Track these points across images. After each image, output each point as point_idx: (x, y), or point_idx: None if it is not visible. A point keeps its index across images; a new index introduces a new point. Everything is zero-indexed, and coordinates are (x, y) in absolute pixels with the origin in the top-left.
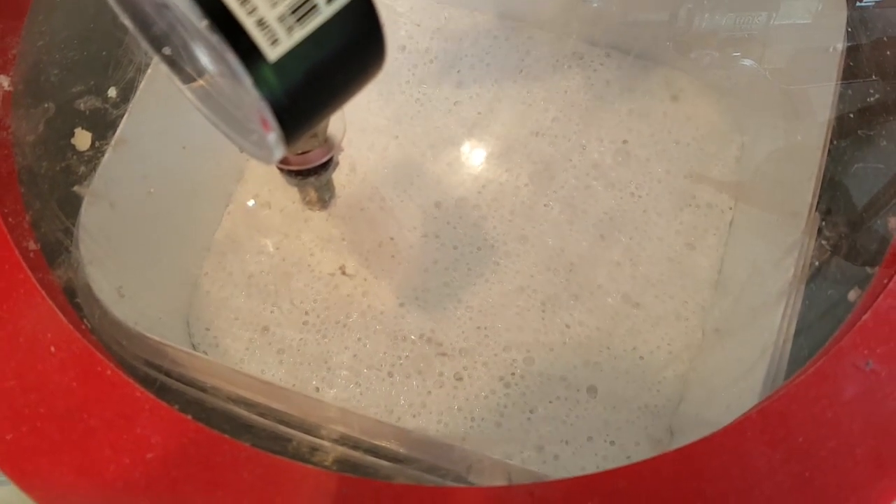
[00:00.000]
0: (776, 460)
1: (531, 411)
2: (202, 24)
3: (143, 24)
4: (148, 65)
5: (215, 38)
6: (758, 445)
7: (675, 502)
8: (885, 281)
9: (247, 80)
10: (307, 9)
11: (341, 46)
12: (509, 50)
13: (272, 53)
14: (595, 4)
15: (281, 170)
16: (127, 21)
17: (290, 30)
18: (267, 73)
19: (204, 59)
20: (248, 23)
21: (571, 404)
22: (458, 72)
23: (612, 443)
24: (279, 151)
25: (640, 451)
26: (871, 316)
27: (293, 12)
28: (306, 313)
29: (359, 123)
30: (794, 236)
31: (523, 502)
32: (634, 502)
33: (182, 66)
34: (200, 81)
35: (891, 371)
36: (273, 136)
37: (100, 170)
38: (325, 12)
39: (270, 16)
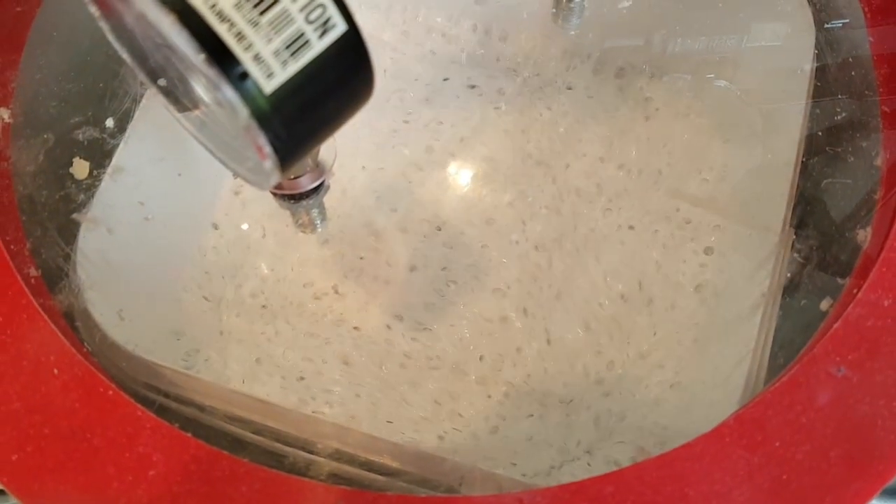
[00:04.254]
0: (755, 464)
1: (523, 424)
2: (199, 58)
3: (141, 57)
4: (143, 95)
5: (213, 73)
6: (737, 450)
7: None
8: (855, 291)
9: (244, 112)
10: (300, 44)
11: (333, 78)
12: (492, 75)
13: (268, 86)
14: (573, 32)
15: (274, 194)
16: (125, 55)
17: (284, 63)
18: (263, 104)
19: (200, 90)
20: (245, 58)
21: (562, 418)
22: (443, 96)
23: (604, 455)
24: (275, 178)
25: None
26: (842, 324)
27: (287, 47)
28: (300, 333)
29: (348, 148)
30: (769, 249)
31: None
32: None
33: (178, 97)
34: (196, 112)
35: (862, 377)
36: (269, 163)
37: (97, 197)
38: (317, 47)
39: (266, 51)
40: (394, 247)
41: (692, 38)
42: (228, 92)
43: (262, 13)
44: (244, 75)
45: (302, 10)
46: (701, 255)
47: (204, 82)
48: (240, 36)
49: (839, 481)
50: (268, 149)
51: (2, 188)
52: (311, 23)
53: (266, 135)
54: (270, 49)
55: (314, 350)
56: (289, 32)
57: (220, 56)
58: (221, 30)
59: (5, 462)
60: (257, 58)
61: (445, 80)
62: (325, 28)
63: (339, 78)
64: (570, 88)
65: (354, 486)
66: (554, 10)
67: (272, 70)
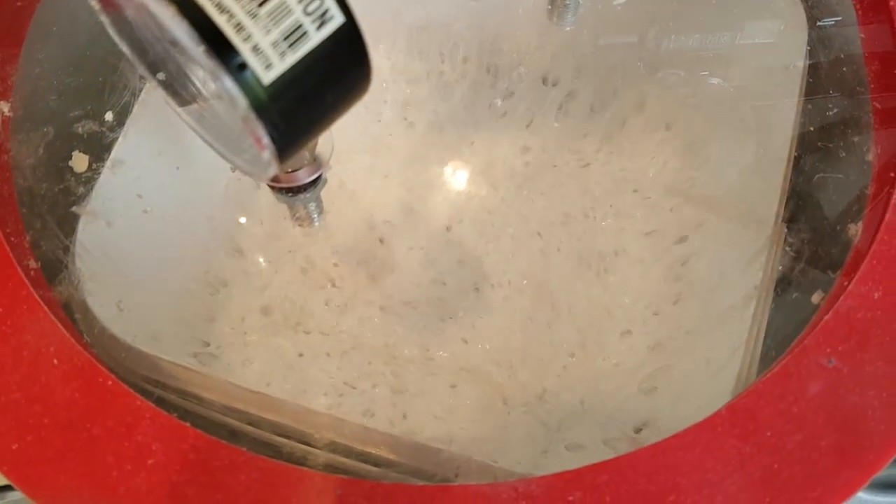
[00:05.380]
0: (746, 453)
1: (518, 419)
2: (199, 49)
3: (141, 51)
4: (142, 89)
5: (212, 64)
6: (729, 439)
7: (652, 494)
8: (846, 284)
9: (242, 102)
10: (298, 35)
11: (330, 69)
12: (489, 73)
13: (266, 77)
14: (567, 28)
15: (272, 187)
16: (125, 48)
17: (282, 55)
18: (261, 95)
19: (199, 82)
20: (244, 49)
21: (556, 414)
22: (440, 94)
23: (599, 447)
24: (272, 169)
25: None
26: (832, 317)
27: (285, 38)
28: (298, 325)
29: (346, 142)
30: (761, 244)
31: (508, 497)
32: (614, 494)
33: (177, 90)
34: (195, 105)
35: (852, 368)
36: (267, 154)
37: (96, 190)
38: (314, 38)
39: (264, 42)
40: (391, 241)
41: (686, 35)
42: (227, 82)
43: (260, 4)
44: (243, 66)
45: (300, 1)
46: (694, 250)
47: (203, 74)
48: (239, 27)
49: (829, 470)
50: (266, 140)
51: (2, 181)
52: (309, 14)
53: (264, 125)
54: (269, 40)
55: (311, 342)
56: (287, 24)
57: (220, 47)
58: (221, 21)
59: (6, 451)
60: (256, 49)
61: (443, 76)
62: (322, 20)
63: (337, 69)
64: (564, 88)
65: (350, 477)
66: (549, 7)
67: (270, 61)
